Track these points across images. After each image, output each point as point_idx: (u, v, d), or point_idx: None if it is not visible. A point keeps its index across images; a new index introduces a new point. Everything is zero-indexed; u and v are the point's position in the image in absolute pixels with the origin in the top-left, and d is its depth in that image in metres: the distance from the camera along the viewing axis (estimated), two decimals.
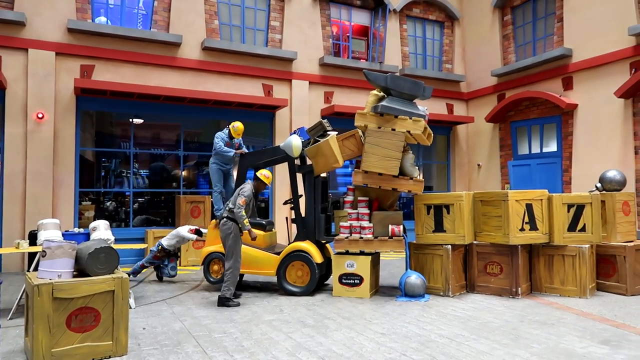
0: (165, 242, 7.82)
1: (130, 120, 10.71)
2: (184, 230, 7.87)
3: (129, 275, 7.87)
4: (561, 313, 5.94)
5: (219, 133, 8.42)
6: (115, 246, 5.68)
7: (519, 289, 6.79)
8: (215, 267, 7.34)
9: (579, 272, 6.77)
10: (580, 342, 4.77)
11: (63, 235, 6.70)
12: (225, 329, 5.25)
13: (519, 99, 12.32)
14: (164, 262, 7.92)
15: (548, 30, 12.23)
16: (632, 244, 7.09)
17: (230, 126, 8.37)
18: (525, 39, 12.86)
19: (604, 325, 5.36)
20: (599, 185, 7.74)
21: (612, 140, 10.44)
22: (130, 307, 5.94)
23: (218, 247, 7.34)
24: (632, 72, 10.03)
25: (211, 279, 7.35)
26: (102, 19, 10.42)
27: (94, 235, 6.54)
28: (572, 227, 6.94)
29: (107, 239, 6.27)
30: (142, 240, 10.20)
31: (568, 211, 6.97)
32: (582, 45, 11.11)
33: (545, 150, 12.24)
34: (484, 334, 5.04)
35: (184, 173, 11.55)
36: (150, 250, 8.00)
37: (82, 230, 7.96)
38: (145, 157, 11.77)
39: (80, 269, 4.49)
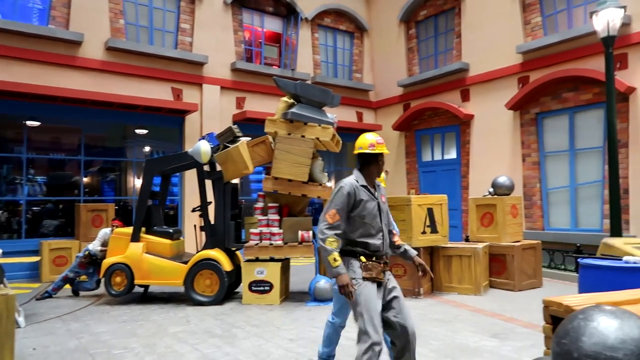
0: (91, 246, 7.46)
1: (24, 122, 9.89)
2: (106, 230, 7.63)
3: (49, 294, 7.34)
4: (458, 310, 6.35)
5: None
6: (2, 260, 5.23)
7: (421, 289, 7.17)
8: (118, 279, 6.96)
9: (474, 271, 7.29)
10: (474, 336, 5.14)
11: None
12: (126, 344, 5.01)
13: (422, 108, 13.03)
14: (90, 270, 7.43)
15: (448, 45, 13.05)
16: (519, 243, 7.77)
17: None
18: (428, 52, 13.63)
19: (494, 320, 5.82)
20: (491, 190, 8.40)
21: (504, 149, 11.36)
22: (19, 326, 5.48)
23: (120, 258, 6.98)
24: (520, 86, 11.00)
25: (113, 292, 6.96)
26: None
27: None
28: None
29: None
30: (36, 252, 9.41)
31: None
32: (477, 60, 11.99)
33: (446, 157, 13.04)
34: None
35: (85, 179, 10.86)
36: (76, 257, 7.58)
37: None
38: (43, 162, 10.93)
39: None
